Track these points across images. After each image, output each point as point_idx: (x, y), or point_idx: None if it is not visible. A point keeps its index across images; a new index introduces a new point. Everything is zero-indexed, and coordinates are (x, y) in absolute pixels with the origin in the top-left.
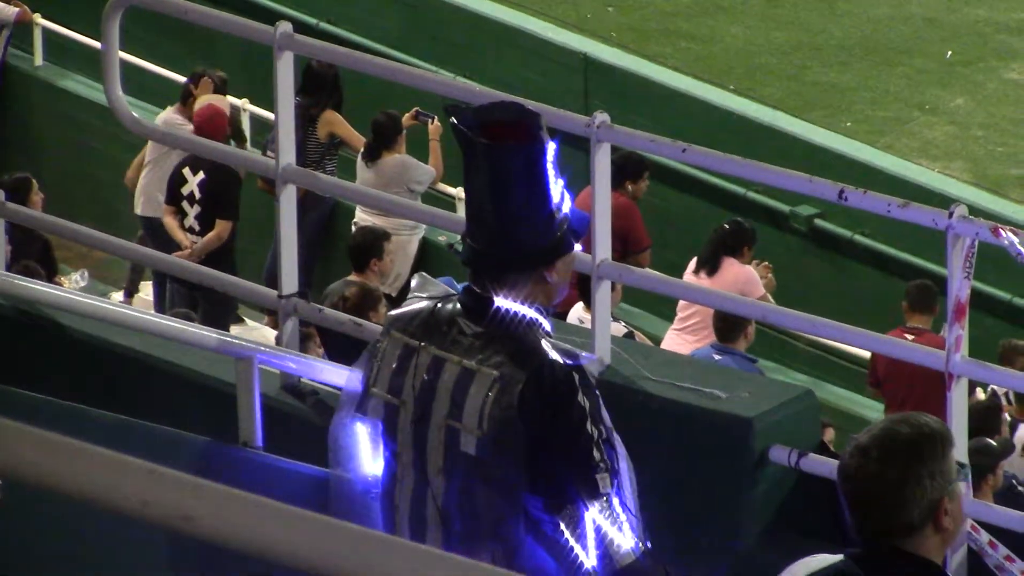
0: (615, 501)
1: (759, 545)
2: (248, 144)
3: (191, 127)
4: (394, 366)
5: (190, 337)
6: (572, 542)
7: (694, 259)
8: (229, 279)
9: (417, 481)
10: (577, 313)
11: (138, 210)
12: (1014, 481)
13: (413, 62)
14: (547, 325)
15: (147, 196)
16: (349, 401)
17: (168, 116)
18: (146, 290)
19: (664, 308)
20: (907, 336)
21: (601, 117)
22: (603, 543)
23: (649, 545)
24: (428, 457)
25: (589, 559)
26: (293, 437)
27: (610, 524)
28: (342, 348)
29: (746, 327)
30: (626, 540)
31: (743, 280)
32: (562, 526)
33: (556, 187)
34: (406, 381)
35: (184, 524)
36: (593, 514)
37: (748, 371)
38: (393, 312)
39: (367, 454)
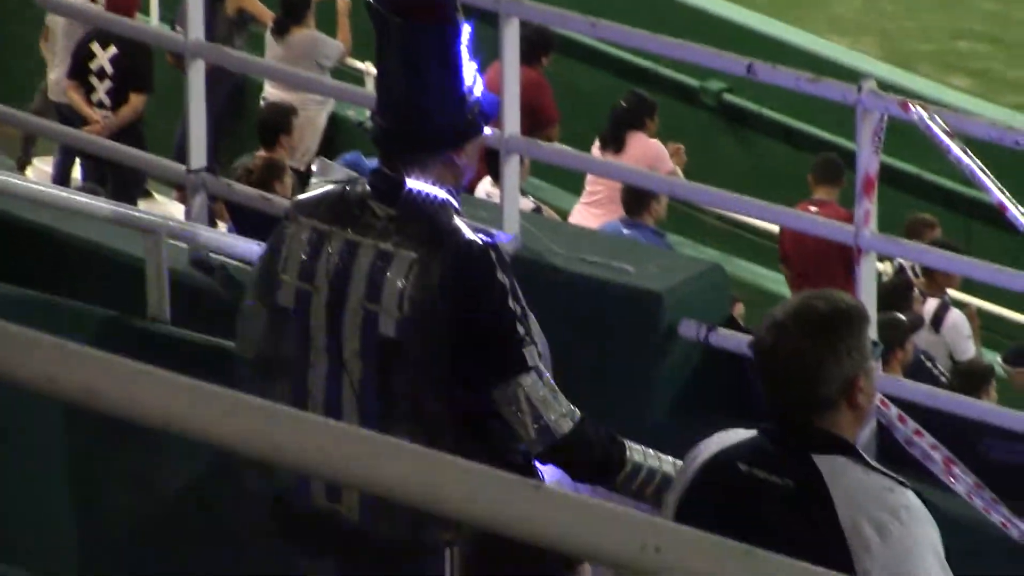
0: (545, 373)
1: (669, 419)
2: None
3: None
4: (304, 252)
5: (98, 212)
6: (507, 418)
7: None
8: (138, 154)
9: (332, 366)
10: (485, 188)
11: (54, 96)
12: (923, 356)
13: None
14: (457, 205)
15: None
16: (256, 285)
17: None
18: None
19: (572, 182)
20: (811, 208)
21: None
22: (539, 415)
23: (580, 413)
24: (344, 341)
25: (527, 432)
26: (201, 312)
27: (543, 396)
28: (250, 222)
29: (651, 202)
30: (561, 409)
31: (652, 155)
32: (495, 403)
33: (469, 70)
34: (319, 266)
35: (90, 399)
36: (525, 387)
37: (656, 246)
38: (298, 197)
39: (272, 338)
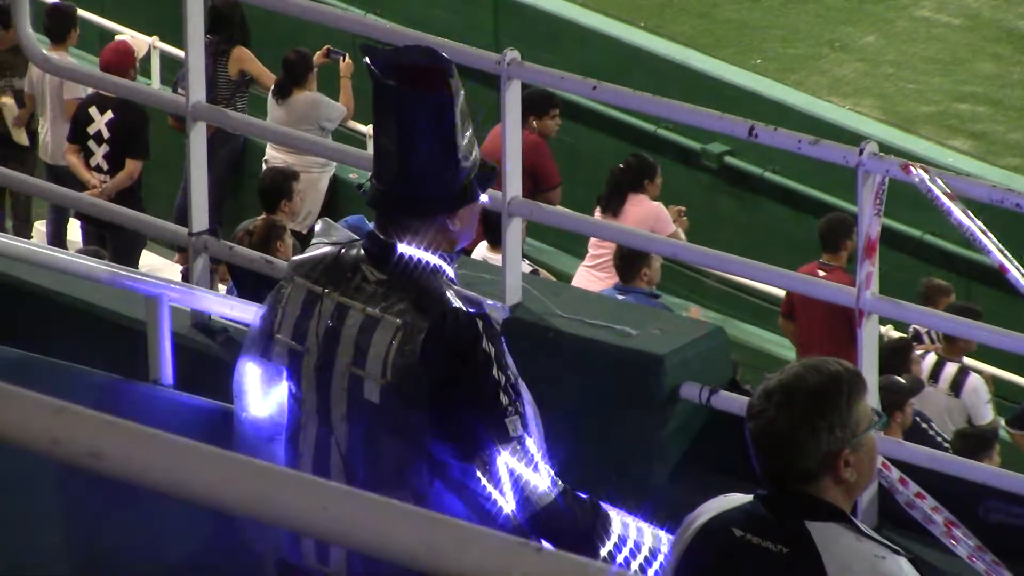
0: (528, 443)
1: (672, 482)
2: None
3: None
4: (298, 312)
5: (100, 275)
6: (488, 488)
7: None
8: (140, 216)
9: (320, 428)
10: (482, 252)
11: (48, 159)
12: (919, 418)
13: None
14: (451, 272)
15: (56, 145)
16: (253, 344)
17: (54, 55)
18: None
19: (572, 244)
20: (819, 272)
21: (511, 54)
22: (519, 486)
23: (562, 484)
24: (332, 404)
25: (507, 503)
26: (203, 374)
27: (524, 466)
28: (252, 285)
29: (643, 267)
30: (542, 481)
31: (652, 218)
32: (476, 472)
33: (464, 135)
34: (310, 328)
35: (93, 461)
36: (506, 458)
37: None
38: (296, 258)
39: (267, 398)
